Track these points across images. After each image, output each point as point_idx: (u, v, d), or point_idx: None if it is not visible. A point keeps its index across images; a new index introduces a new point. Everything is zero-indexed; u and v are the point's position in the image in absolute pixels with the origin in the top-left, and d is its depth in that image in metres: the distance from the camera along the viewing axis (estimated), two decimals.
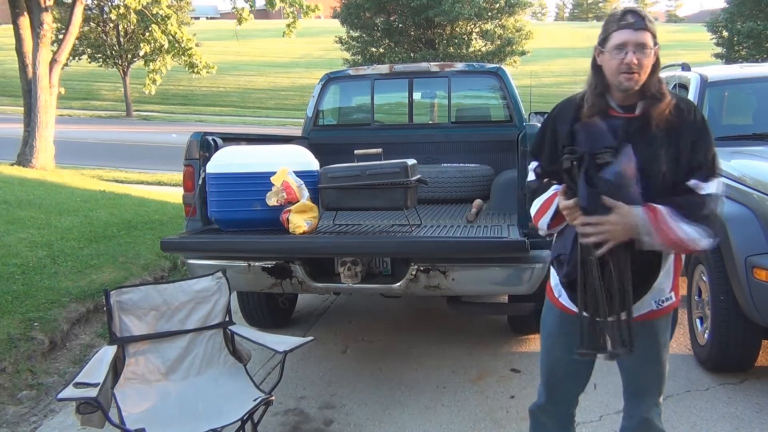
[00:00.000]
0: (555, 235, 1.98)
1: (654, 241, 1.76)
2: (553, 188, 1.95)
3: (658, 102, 1.85)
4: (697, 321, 3.70)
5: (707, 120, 1.88)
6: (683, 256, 2.00)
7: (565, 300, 2.01)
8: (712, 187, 1.82)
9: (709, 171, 1.83)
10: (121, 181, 11.68)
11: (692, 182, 1.81)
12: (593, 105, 1.90)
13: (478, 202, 4.16)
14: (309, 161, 3.44)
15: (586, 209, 1.76)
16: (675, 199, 1.80)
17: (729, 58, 22.64)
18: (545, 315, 2.13)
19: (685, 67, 5.16)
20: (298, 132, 5.39)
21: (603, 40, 1.88)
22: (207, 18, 66.39)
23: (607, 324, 1.77)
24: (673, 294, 1.98)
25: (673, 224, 1.76)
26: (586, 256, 1.78)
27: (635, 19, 1.82)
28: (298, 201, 3.17)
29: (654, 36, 1.84)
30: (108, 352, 2.50)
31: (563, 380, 2.13)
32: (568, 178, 1.82)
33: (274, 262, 3.28)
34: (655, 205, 1.77)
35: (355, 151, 3.43)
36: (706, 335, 3.53)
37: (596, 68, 1.92)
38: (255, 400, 2.46)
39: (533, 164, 2.09)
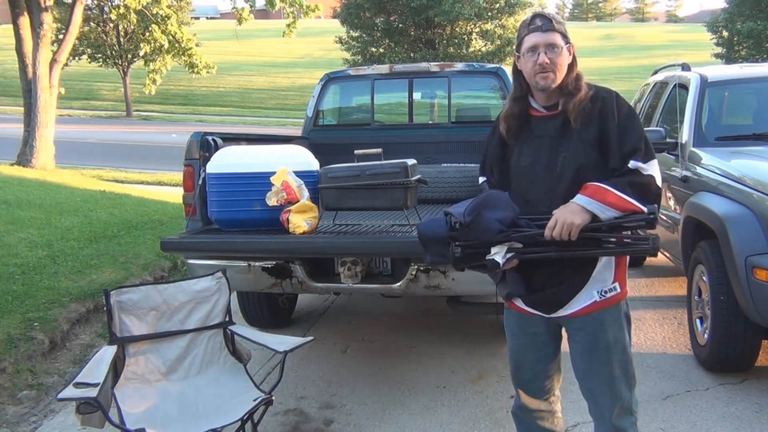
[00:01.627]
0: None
1: (612, 214, 1.85)
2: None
3: (573, 96, 1.94)
4: (697, 321, 3.70)
5: (632, 107, 1.98)
6: None
7: (519, 302, 2.08)
8: (652, 167, 1.89)
9: (646, 153, 1.90)
10: (121, 181, 11.68)
11: (632, 164, 1.89)
12: (510, 108, 2.04)
13: None
14: (309, 161, 3.44)
15: (533, 240, 1.91)
16: (619, 179, 1.88)
17: (729, 58, 22.65)
18: (506, 319, 2.19)
19: (685, 67, 5.16)
20: (298, 132, 5.39)
21: (518, 46, 2.00)
22: (207, 18, 66.40)
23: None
24: (617, 285, 1.98)
25: (623, 194, 1.84)
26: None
27: (543, 22, 1.93)
28: (298, 201, 3.17)
29: (563, 35, 1.94)
30: (108, 352, 2.50)
31: (533, 380, 2.16)
32: (474, 260, 1.97)
33: (274, 262, 3.28)
34: (592, 183, 1.88)
35: (355, 151, 3.43)
36: (706, 335, 3.53)
37: (517, 73, 2.04)
38: (255, 400, 2.46)
39: (480, 180, 2.22)
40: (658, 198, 1.91)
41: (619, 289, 1.98)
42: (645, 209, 1.84)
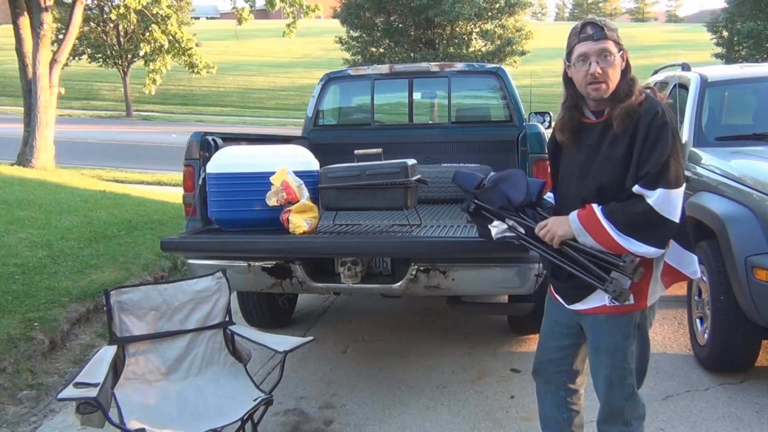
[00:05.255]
0: None
1: (588, 241, 1.91)
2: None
3: (620, 103, 1.89)
4: (697, 321, 3.70)
5: (669, 126, 1.83)
6: (654, 261, 1.95)
7: (552, 287, 2.20)
8: (657, 196, 1.79)
9: (655, 179, 1.80)
10: (121, 181, 11.68)
11: (636, 188, 1.83)
12: (563, 117, 2.03)
13: None
14: (309, 161, 3.43)
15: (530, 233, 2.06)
16: (622, 206, 1.84)
17: (729, 58, 22.65)
18: (545, 302, 2.31)
19: (685, 67, 5.16)
20: (298, 132, 5.39)
21: (568, 54, 1.96)
22: (207, 18, 66.37)
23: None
24: (631, 297, 1.93)
25: (607, 226, 1.85)
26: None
27: (594, 30, 1.89)
28: (298, 201, 3.17)
29: (616, 43, 1.90)
30: (108, 352, 2.50)
31: (545, 365, 2.25)
32: (482, 220, 2.18)
33: (274, 262, 3.28)
34: (592, 204, 1.91)
35: (355, 151, 3.43)
36: (706, 335, 3.53)
37: (567, 81, 2.01)
38: (255, 400, 2.47)
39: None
40: (660, 232, 1.83)
41: (631, 300, 1.93)
42: (636, 250, 1.83)
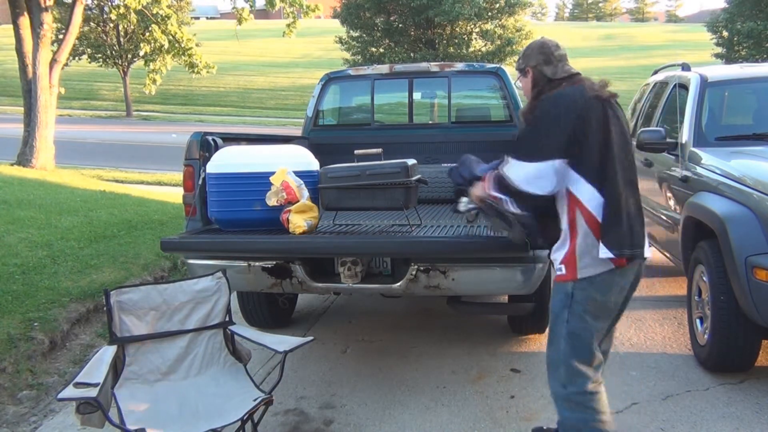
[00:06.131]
0: None
1: (488, 195, 2.37)
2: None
3: None
4: (697, 321, 3.69)
5: (518, 118, 2.38)
6: (579, 236, 2.21)
7: None
8: (507, 164, 2.27)
9: (515, 151, 2.27)
10: (121, 181, 11.68)
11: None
12: None
13: None
14: (309, 161, 3.44)
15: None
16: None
17: (729, 58, 22.62)
18: None
19: (685, 67, 5.15)
20: (298, 132, 5.38)
21: None
22: (207, 18, 66.37)
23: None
24: (563, 267, 2.25)
25: (490, 179, 2.34)
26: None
27: None
28: (298, 201, 3.17)
29: (519, 69, 2.43)
30: (108, 352, 2.50)
31: None
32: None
33: (274, 262, 3.28)
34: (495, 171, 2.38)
35: (355, 151, 3.43)
36: (706, 335, 3.53)
37: None
38: (255, 400, 2.47)
39: None
40: (512, 193, 2.26)
41: (564, 271, 2.25)
42: (502, 199, 2.29)
